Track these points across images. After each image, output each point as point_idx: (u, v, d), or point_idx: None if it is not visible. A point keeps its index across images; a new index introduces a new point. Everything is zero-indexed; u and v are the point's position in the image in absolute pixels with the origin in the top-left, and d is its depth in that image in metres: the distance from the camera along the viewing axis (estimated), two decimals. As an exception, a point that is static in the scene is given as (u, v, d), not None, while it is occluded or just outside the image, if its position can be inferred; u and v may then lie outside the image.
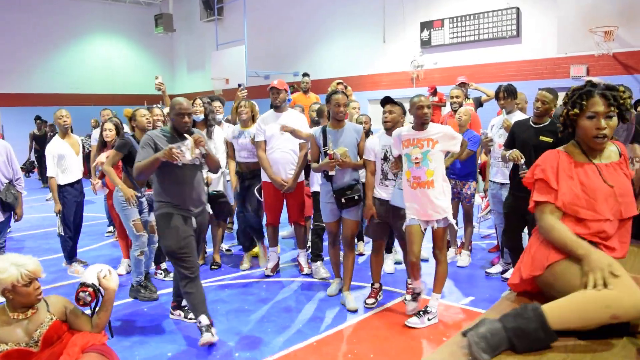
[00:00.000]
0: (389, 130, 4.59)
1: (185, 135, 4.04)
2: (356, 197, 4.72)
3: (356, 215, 4.84)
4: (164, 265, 5.84)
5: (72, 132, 6.10)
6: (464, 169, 5.80)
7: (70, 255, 6.09)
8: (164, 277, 5.76)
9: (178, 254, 4.03)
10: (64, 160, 5.80)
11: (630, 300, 1.85)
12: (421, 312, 4.38)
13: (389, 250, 5.92)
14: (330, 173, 4.72)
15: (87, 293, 2.94)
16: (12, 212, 5.33)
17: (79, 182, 5.99)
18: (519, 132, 4.65)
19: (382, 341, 4.11)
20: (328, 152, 4.60)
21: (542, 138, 4.47)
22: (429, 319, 4.35)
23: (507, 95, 5.49)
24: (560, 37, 8.90)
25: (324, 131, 4.82)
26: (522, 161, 4.32)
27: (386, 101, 4.63)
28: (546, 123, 4.57)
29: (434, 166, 4.14)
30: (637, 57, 9.37)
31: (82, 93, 18.63)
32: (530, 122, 4.67)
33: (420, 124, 4.23)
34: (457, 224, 5.44)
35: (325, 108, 5.57)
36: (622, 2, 8.16)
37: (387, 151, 4.58)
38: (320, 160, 4.83)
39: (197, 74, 19.94)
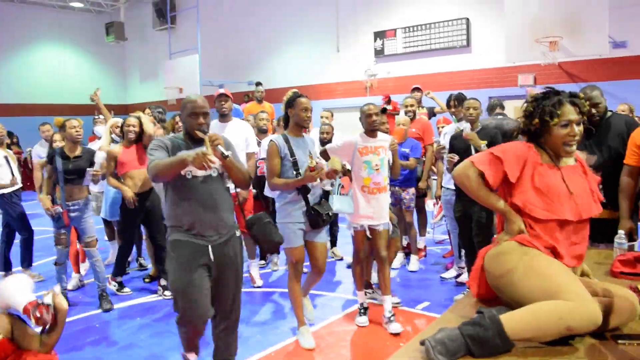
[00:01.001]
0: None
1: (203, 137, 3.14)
2: (331, 214, 4.12)
3: (326, 235, 4.41)
4: (163, 282, 5.53)
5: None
6: (404, 176, 5.84)
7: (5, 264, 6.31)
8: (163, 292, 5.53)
9: (174, 292, 3.20)
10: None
11: (585, 313, 1.88)
12: (391, 318, 4.44)
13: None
14: (314, 184, 4.04)
15: (49, 314, 2.73)
16: None
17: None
18: (456, 144, 4.89)
19: (340, 348, 4.12)
20: (310, 164, 3.91)
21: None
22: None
23: (457, 104, 5.65)
24: (508, 47, 9.15)
25: (286, 140, 4.07)
26: (456, 159, 4.64)
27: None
28: (478, 129, 4.84)
29: (386, 172, 4.44)
30: (581, 66, 9.75)
31: (30, 103, 18.06)
32: (463, 132, 4.87)
33: (371, 131, 4.40)
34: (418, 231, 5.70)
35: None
36: (566, 13, 8.46)
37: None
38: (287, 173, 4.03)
39: (150, 84, 19.62)
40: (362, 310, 4.62)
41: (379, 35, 12.63)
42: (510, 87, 10.47)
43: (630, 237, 3.51)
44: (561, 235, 2.24)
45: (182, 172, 3.07)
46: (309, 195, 4.00)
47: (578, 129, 2.27)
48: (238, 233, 3.34)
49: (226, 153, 3.02)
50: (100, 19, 19.60)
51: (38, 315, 2.69)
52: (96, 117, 6.48)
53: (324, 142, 5.77)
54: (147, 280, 6.02)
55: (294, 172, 3.97)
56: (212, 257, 3.14)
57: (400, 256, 6.25)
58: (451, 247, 6.12)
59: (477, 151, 4.39)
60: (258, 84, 9.81)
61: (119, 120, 5.93)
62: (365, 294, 4.75)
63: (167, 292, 5.44)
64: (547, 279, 2.02)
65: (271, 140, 4.07)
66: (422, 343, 1.89)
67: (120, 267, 5.61)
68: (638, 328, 2.09)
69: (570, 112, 2.26)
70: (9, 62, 18.06)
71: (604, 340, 2.01)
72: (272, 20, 14.92)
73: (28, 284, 2.88)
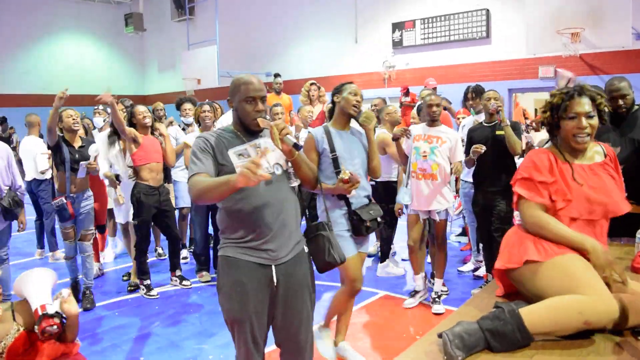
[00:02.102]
0: None
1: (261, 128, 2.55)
2: (379, 219, 3.53)
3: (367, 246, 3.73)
4: (178, 272, 5.61)
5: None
6: None
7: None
8: (180, 283, 5.58)
9: (229, 324, 2.58)
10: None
11: (603, 308, 1.88)
12: (437, 300, 4.76)
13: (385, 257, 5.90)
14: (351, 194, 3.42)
15: (54, 326, 2.46)
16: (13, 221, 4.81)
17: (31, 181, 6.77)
18: (475, 135, 4.83)
19: (356, 340, 4.13)
20: (342, 176, 3.19)
21: (498, 133, 4.70)
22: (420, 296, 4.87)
23: (475, 96, 5.60)
24: (529, 39, 9.03)
25: (327, 132, 3.50)
26: (483, 149, 4.55)
27: None
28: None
29: (439, 161, 4.54)
30: (603, 58, 9.58)
31: (50, 94, 18.20)
32: (483, 123, 4.90)
33: (431, 121, 4.64)
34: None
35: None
36: (588, 4, 8.32)
37: None
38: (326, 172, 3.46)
39: (168, 74, 19.72)
40: (412, 293, 4.93)
41: (397, 26, 12.53)
42: (531, 80, 10.33)
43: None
44: (579, 230, 2.21)
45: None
46: (352, 199, 3.44)
47: (588, 122, 2.25)
48: (307, 248, 2.70)
49: (300, 144, 2.47)
50: (120, 11, 19.71)
51: (44, 326, 2.44)
52: (96, 107, 6.52)
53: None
54: (125, 278, 5.90)
55: (333, 171, 3.41)
56: (275, 279, 2.49)
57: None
58: (469, 240, 6.09)
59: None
60: (277, 75, 9.78)
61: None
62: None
63: (186, 282, 5.49)
64: (568, 273, 2.02)
65: (309, 132, 3.59)
66: (440, 336, 1.88)
67: (143, 268, 5.34)
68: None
69: (579, 105, 2.26)
70: (29, 53, 18.26)
71: (623, 336, 1.99)
72: (290, 11, 14.88)
73: (49, 283, 2.64)
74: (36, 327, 2.44)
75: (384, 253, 5.80)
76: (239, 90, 2.50)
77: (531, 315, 1.91)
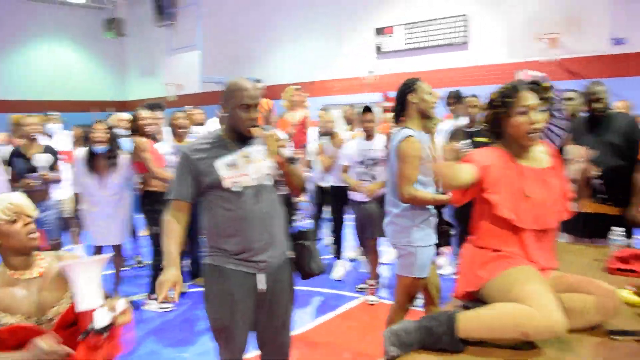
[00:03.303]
0: (369, 136, 4.92)
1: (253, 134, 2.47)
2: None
3: None
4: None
5: None
6: None
7: None
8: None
9: (214, 331, 2.55)
10: None
11: (543, 321, 1.83)
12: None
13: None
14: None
15: (100, 342, 2.01)
16: None
17: None
18: (454, 140, 4.87)
19: (335, 347, 4.12)
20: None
21: (478, 139, 4.66)
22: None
23: (456, 101, 5.66)
24: (508, 44, 9.16)
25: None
26: (459, 146, 4.62)
27: (367, 109, 4.90)
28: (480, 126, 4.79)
29: None
30: (581, 62, 9.71)
31: (29, 99, 18.04)
32: (463, 129, 4.93)
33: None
34: None
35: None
36: (566, 9, 8.47)
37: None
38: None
39: (149, 80, 19.58)
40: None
41: (379, 31, 12.60)
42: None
43: (629, 233, 3.53)
44: (528, 240, 2.17)
45: (227, 185, 2.39)
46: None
47: (539, 116, 2.15)
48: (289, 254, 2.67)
49: (296, 157, 2.44)
50: (100, 15, 19.55)
51: (89, 341, 1.99)
52: (49, 113, 6.22)
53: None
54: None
55: (434, 178, 3.13)
56: (264, 286, 2.47)
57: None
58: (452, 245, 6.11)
59: None
60: (257, 81, 9.76)
61: (124, 115, 5.86)
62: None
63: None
64: (515, 286, 1.97)
65: (410, 135, 3.09)
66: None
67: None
68: (623, 325, 2.07)
69: (527, 98, 2.14)
70: (8, 57, 18.03)
71: (599, 336, 2.01)
72: (273, 17, 14.89)
73: (99, 277, 2.10)
74: (80, 337, 1.99)
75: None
76: (233, 95, 2.42)
77: (468, 320, 1.90)
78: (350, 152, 5.03)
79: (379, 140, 4.94)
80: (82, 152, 4.77)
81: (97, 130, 4.64)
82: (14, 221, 2.07)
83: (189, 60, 14.16)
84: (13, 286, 2.06)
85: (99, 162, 4.66)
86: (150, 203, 4.80)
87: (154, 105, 6.02)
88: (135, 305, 5.03)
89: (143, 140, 4.74)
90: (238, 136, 2.46)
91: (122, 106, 17.93)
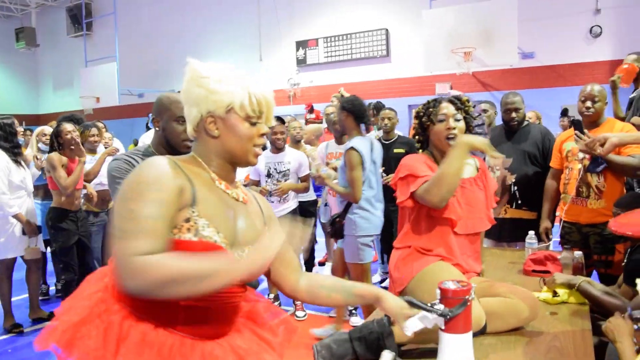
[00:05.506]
0: (278, 149, 4.84)
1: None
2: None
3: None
4: None
5: None
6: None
7: None
8: None
9: None
10: None
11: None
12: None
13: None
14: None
15: None
16: None
17: None
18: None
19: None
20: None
21: (395, 151, 4.90)
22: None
23: (376, 113, 5.80)
24: (426, 57, 9.49)
25: None
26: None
27: (277, 119, 4.83)
28: (395, 137, 5.07)
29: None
30: (493, 75, 10.24)
31: None
32: (380, 140, 5.02)
33: (340, 137, 4.80)
34: None
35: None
36: (479, 25, 8.88)
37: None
38: None
39: (64, 92, 18.79)
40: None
41: (301, 44, 12.73)
42: (429, 96, 10.70)
43: (547, 236, 3.72)
44: (454, 244, 2.30)
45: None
46: None
47: (456, 124, 2.34)
48: None
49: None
50: (10, 24, 18.61)
51: None
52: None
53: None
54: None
55: None
56: None
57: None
58: (375, 252, 6.21)
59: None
60: (179, 92, 9.59)
61: (46, 128, 5.58)
62: None
63: None
64: (433, 283, 1.96)
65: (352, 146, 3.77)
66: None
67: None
68: (540, 326, 2.16)
69: (445, 108, 2.36)
70: None
71: (519, 336, 2.09)
72: (193, 27, 14.70)
73: None
74: None
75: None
76: (168, 108, 2.29)
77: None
78: (258, 165, 4.81)
79: (290, 153, 4.90)
80: None
81: None
82: (254, 122, 1.56)
83: (106, 72, 13.69)
84: (220, 199, 1.48)
85: None
86: (53, 219, 4.66)
87: (72, 118, 5.73)
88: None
89: (55, 156, 4.55)
90: (170, 151, 2.25)
91: (35, 120, 17.08)
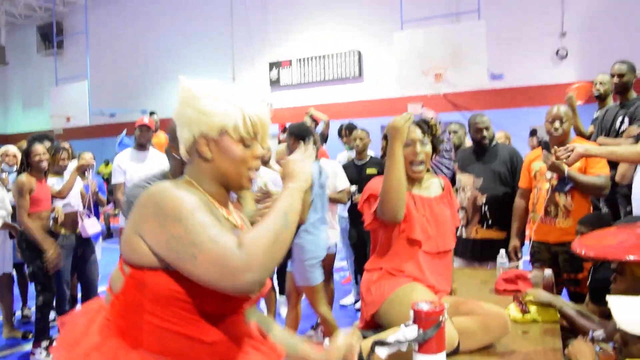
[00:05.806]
0: None
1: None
2: None
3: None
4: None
5: None
6: None
7: None
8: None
9: None
10: None
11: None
12: None
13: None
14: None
15: None
16: None
17: None
18: (347, 172, 4.86)
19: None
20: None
21: (368, 171, 4.91)
22: None
23: (348, 133, 5.85)
24: (398, 78, 9.64)
25: None
26: (353, 188, 4.71)
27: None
28: (368, 158, 5.09)
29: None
30: (463, 96, 10.43)
31: None
32: (354, 161, 5.10)
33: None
34: None
35: None
36: (449, 47, 9.06)
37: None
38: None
39: (34, 111, 18.49)
40: None
41: (275, 65, 12.79)
42: (401, 116, 10.95)
43: (516, 255, 3.77)
44: (425, 263, 2.31)
45: None
46: None
47: (422, 149, 2.36)
48: None
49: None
50: (-22, 42, 18.34)
51: None
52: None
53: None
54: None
55: None
56: None
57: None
58: (349, 273, 6.21)
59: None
60: (152, 113, 9.53)
61: (10, 147, 5.46)
62: None
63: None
64: (404, 304, 2.01)
65: None
66: None
67: (45, 327, 4.48)
68: (513, 345, 2.19)
69: (412, 133, 2.36)
70: None
71: (490, 355, 2.11)
72: (165, 46, 14.66)
73: None
74: None
75: None
76: None
77: (367, 342, 1.94)
78: None
79: (264, 174, 4.87)
80: None
81: None
82: (247, 144, 1.46)
83: (77, 91, 13.53)
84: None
85: None
86: (27, 241, 4.45)
87: (42, 137, 5.58)
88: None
89: (24, 180, 4.35)
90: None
91: (3, 140, 16.74)
